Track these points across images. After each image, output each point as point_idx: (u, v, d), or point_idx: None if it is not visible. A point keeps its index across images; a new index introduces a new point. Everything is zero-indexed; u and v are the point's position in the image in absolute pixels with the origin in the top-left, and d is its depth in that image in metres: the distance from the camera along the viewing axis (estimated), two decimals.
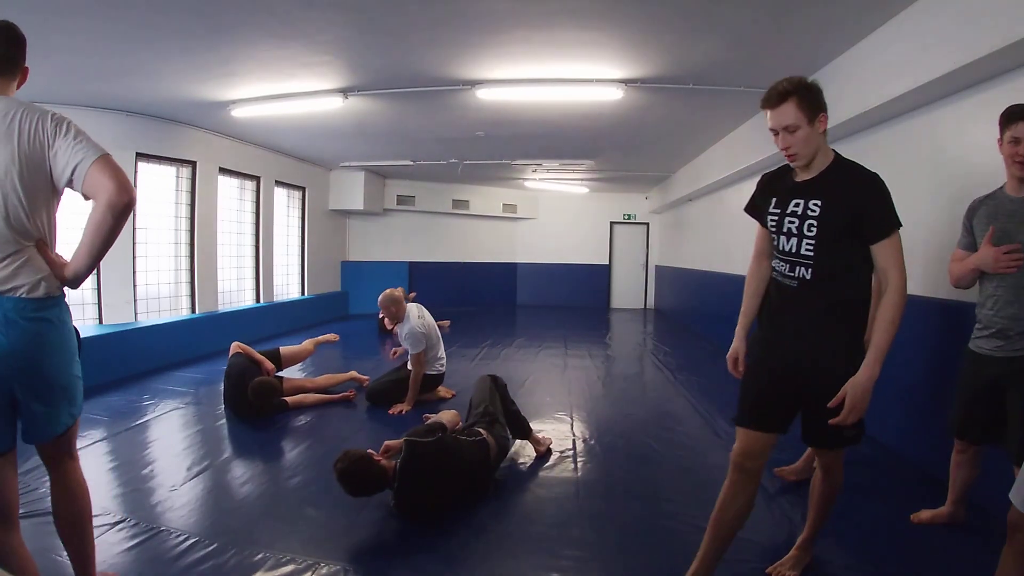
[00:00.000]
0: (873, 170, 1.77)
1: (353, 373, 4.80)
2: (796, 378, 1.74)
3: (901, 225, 1.66)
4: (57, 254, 1.51)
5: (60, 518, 1.63)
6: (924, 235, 3.27)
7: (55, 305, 1.47)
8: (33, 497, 2.49)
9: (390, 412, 4.05)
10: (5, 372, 1.40)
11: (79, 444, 3.21)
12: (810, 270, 1.70)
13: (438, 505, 2.51)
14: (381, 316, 7.99)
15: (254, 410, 3.80)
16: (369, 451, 2.45)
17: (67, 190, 1.48)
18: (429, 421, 2.91)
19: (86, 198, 1.42)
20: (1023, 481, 1.43)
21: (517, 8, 3.18)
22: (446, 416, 2.91)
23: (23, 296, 1.40)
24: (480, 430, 2.84)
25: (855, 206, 1.65)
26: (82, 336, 1.64)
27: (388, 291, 4.23)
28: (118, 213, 1.39)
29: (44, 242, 1.47)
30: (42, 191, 1.43)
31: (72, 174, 1.40)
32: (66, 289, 1.54)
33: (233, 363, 4.06)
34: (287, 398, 4.07)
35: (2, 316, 1.37)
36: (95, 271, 5.30)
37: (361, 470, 2.34)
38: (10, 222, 1.39)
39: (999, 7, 2.37)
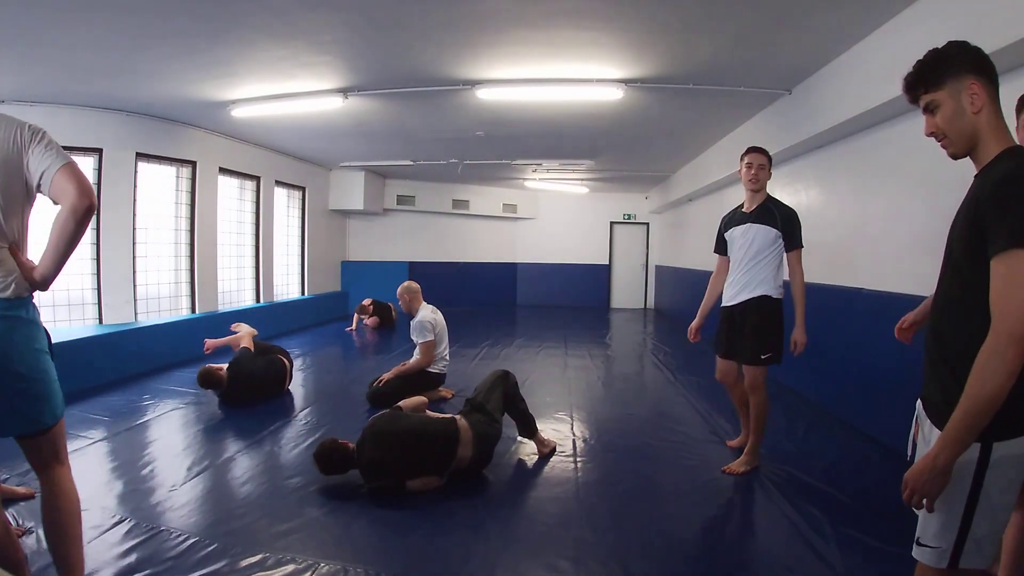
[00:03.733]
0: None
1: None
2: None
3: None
4: (27, 258, 1.57)
5: (49, 525, 1.64)
6: (924, 234, 3.27)
7: (23, 305, 1.53)
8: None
9: (373, 383, 4.29)
10: None
11: (79, 445, 3.24)
12: None
13: (395, 471, 2.66)
14: (359, 314, 8.26)
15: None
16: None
17: (39, 196, 1.55)
18: None
19: (54, 203, 1.49)
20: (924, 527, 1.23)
21: (517, 8, 3.18)
22: (408, 400, 3.09)
23: None
24: (456, 415, 2.93)
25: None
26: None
27: (408, 282, 4.59)
28: (79, 217, 1.46)
29: (16, 246, 1.53)
30: (18, 197, 1.51)
31: (40, 179, 1.49)
32: (40, 293, 1.61)
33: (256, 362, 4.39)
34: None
35: None
36: (96, 274, 5.33)
37: (327, 449, 2.73)
38: None
39: (999, 7, 2.37)
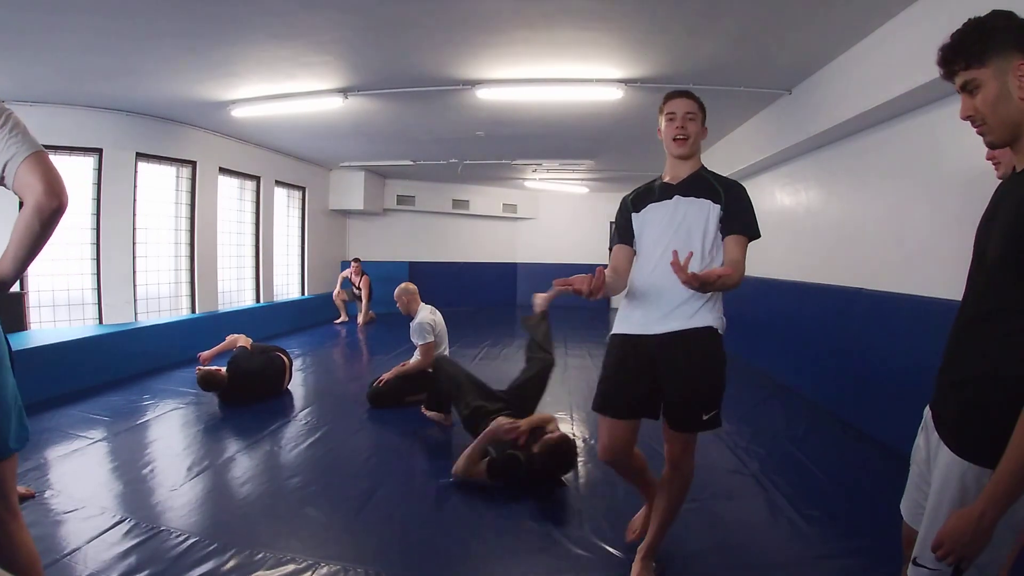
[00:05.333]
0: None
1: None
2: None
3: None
4: None
5: None
6: (924, 235, 3.27)
7: None
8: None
9: (373, 383, 4.26)
10: None
11: (79, 445, 3.23)
12: None
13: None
14: (346, 275, 8.51)
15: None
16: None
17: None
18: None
19: (20, 198, 1.28)
20: (912, 493, 1.27)
21: (517, 8, 3.18)
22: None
23: None
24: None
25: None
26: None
27: (405, 284, 4.51)
28: (45, 218, 1.24)
29: None
30: None
31: (3, 170, 1.25)
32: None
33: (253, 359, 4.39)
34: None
35: None
36: (96, 274, 5.32)
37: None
38: None
39: (999, 8, 2.37)
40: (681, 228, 1.85)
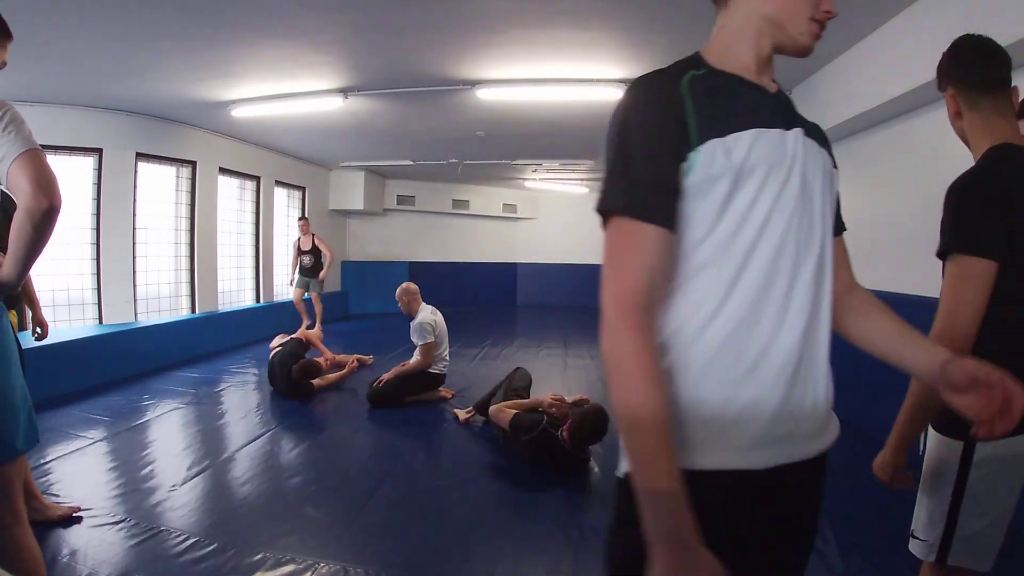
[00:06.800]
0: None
1: (356, 357, 5.43)
2: None
3: None
4: None
5: None
6: (924, 234, 3.27)
7: None
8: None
9: (373, 383, 4.30)
10: None
11: (79, 445, 3.23)
12: None
13: None
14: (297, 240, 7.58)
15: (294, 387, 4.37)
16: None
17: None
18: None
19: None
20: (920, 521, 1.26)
21: (517, 8, 3.18)
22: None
23: None
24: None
25: None
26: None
27: (405, 284, 4.59)
28: (36, 220, 1.19)
29: None
30: None
31: None
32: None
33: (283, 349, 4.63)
34: (313, 381, 4.53)
35: None
36: (96, 274, 5.32)
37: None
38: None
39: (999, 8, 2.37)
40: (811, 202, 0.86)
